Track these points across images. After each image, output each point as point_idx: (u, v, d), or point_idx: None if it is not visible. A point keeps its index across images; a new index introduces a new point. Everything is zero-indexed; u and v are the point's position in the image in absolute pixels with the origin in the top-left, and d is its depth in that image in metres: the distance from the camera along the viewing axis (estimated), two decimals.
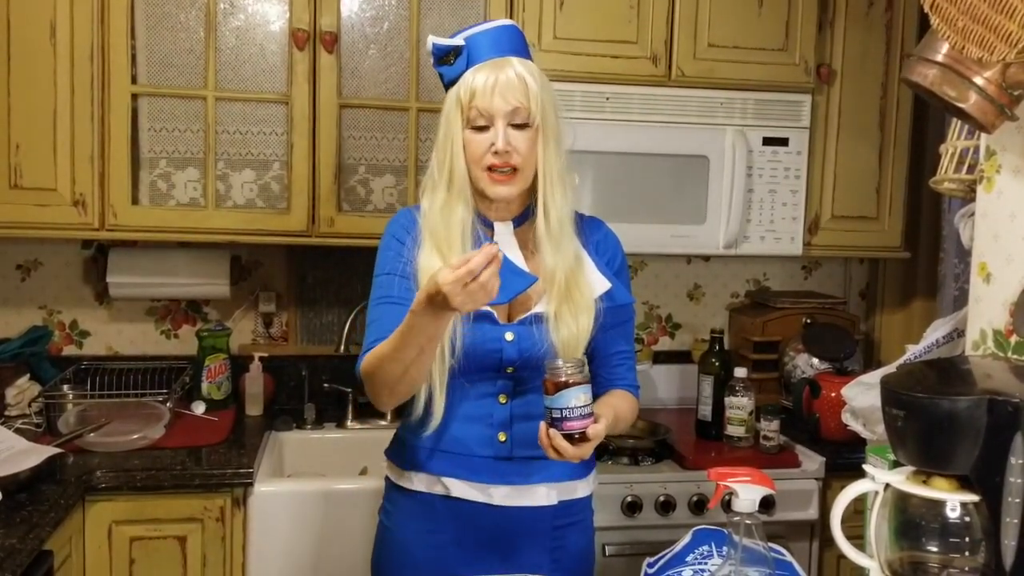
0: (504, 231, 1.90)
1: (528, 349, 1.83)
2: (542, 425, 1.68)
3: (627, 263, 2.03)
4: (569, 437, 1.65)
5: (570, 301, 1.84)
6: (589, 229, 1.98)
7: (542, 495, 1.89)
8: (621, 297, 1.93)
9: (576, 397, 1.64)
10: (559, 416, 1.64)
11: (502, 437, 1.88)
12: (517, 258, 1.87)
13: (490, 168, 1.81)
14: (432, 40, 1.85)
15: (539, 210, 1.85)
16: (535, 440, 1.80)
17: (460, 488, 1.87)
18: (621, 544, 2.60)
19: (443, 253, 1.82)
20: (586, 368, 1.67)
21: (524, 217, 1.91)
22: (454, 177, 1.83)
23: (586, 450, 1.68)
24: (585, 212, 2.04)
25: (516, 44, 1.86)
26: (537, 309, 1.84)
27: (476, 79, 1.79)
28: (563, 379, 1.64)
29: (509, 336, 1.84)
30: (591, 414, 1.67)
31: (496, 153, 1.79)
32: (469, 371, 1.85)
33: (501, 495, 1.87)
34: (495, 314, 1.84)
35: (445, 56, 1.84)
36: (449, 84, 1.86)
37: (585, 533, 2.00)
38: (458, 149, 1.81)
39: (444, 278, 1.54)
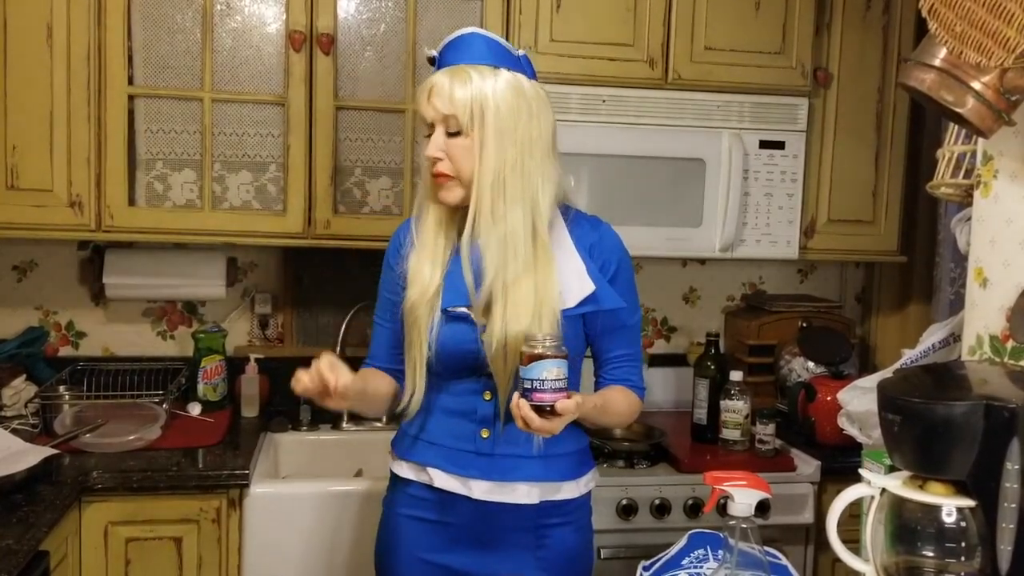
0: None
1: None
2: (515, 395, 1.70)
3: (628, 268, 2.00)
4: (539, 409, 1.65)
5: (510, 308, 1.82)
6: (585, 230, 1.96)
7: (522, 493, 1.90)
8: (608, 301, 1.91)
9: (549, 370, 1.65)
10: (530, 387, 1.65)
11: (485, 433, 1.91)
12: None
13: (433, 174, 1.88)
14: (426, 52, 1.95)
15: (468, 217, 1.86)
16: (519, 438, 1.86)
17: (442, 479, 1.92)
18: (616, 547, 2.60)
19: (420, 255, 1.92)
20: (563, 345, 1.68)
21: None
22: (424, 180, 1.95)
23: (555, 425, 1.68)
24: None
25: (475, 50, 1.86)
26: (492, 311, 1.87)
27: (424, 87, 1.87)
28: (538, 351, 1.65)
29: (485, 336, 1.86)
30: (564, 389, 1.67)
31: (427, 157, 1.87)
32: (450, 369, 1.91)
33: (481, 490, 1.90)
34: (471, 315, 1.88)
35: (430, 62, 1.93)
36: None
37: (578, 534, 2.00)
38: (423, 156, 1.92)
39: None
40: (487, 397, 1.91)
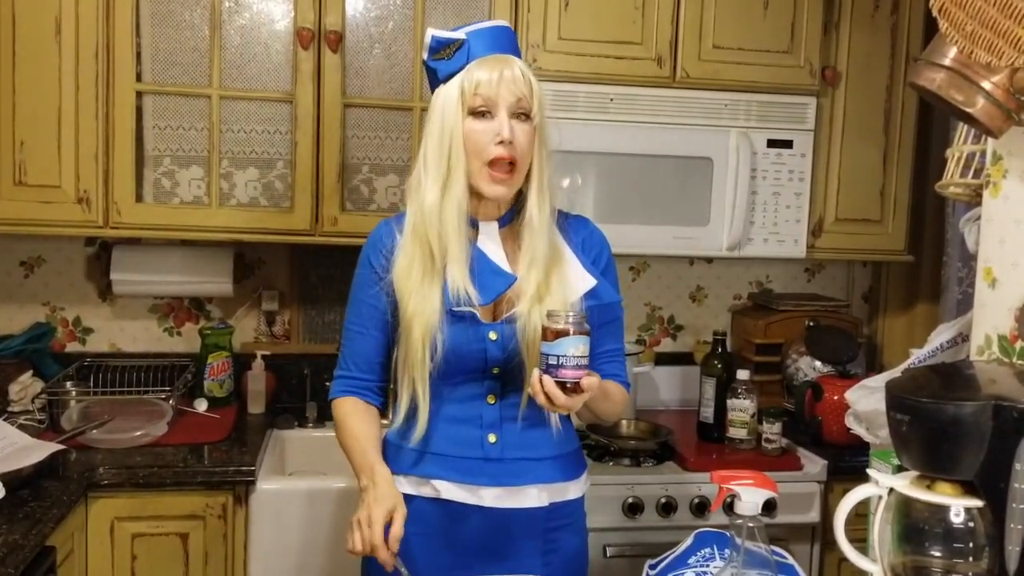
0: (489, 230, 1.90)
1: (513, 348, 1.84)
2: (535, 371, 1.67)
3: (614, 261, 2.01)
4: (562, 385, 1.64)
5: (540, 303, 1.82)
6: (574, 228, 1.98)
7: (533, 497, 1.88)
8: (607, 296, 1.93)
9: (574, 346, 1.63)
10: (555, 363, 1.63)
11: (492, 438, 1.87)
12: (500, 259, 1.88)
13: (491, 163, 1.80)
14: (432, 33, 1.82)
15: (529, 208, 1.85)
16: (526, 441, 1.86)
17: (450, 490, 1.86)
18: (622, 545, 2.60)
19: (435, 250, 1.82)
20: (586, 323, 1.66)
21: (508, 218, 1.92)
22: (452, 170, 1.80)
23: (576, 402, 1.67)
24: (588, 213, 2.06)
25: (514, 45, 1.88)
26: (516, 308, 1.84)
27: (481, 70, 1.79)
28: (562, 326, 1.63)
29: (493, 336, 1.84)
30: (586, 367, 1.66)
31: (500, 143, 1.78)
32: (455, 372, 1.85)
33: (492, 497, 1.86)
34: (478, 314, 1.83)
35: (444, 49, 1.82)
36: (443, 79, 1.83)
37: (578, 535, 1.99)
38: (458, 141, 1.79)
39: (354, 522, 1.72)
40: (491, 400, 1.88)
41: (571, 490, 1.95)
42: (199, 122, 2.71)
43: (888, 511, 1.36)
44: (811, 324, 3.19)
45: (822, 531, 2.74)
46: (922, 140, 3.13)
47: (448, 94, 1.81)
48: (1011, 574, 1.25)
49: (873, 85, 3.04)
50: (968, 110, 1.38)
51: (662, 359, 3.37)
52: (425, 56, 1.86)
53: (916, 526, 1.33)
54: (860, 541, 1.47)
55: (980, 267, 1.59)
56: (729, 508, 1.49)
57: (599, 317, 1.89)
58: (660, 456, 2.77)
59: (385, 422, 2.96)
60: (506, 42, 1.86)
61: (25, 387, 2.72)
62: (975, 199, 1.70)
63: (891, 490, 1.36)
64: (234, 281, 3.00)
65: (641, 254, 3.21)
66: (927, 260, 3.25)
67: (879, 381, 1.86)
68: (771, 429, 2.77)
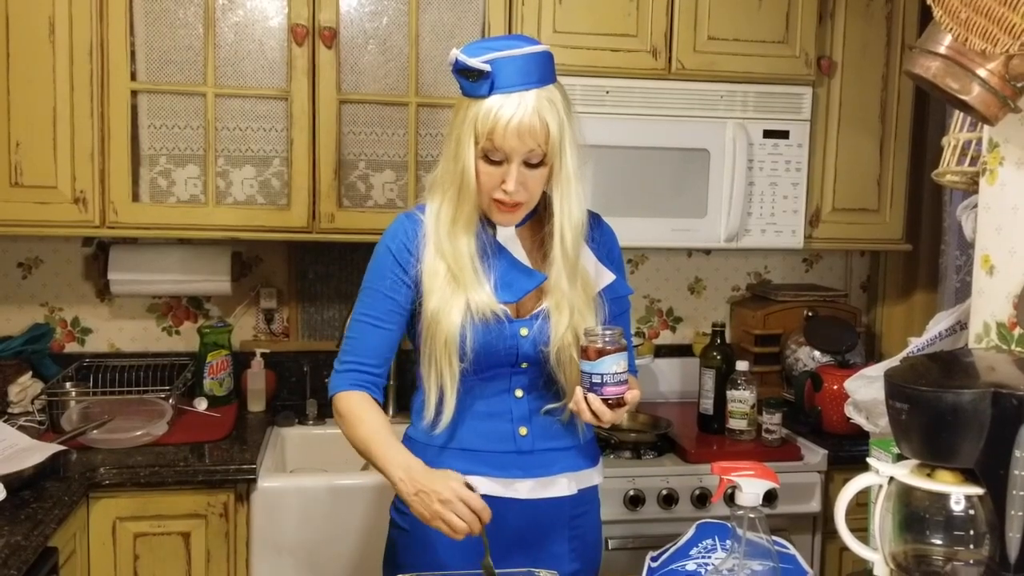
0: (506, 231, 1.92)
1: (543, 343, 1.86)
2: (578, 390, 1.73)
3: (622, 254, 2.05)
4: (606, 402, 1.71)
5: (566, 300, 1.85)
6: (589, 225, 1.98)
7: (563, 486, 1.92)
8: (623, 289, 1.99)
9: (616, 363, 1.70)
10: (599, 381, 1.70)
11: (523, 431, 1.90)
12: (521, 256, 1.91)
13: (497, 199, 1.82)
14: (456, 55, 1.76)
15: (556, 236, 1.85)
16: (554, 432, 1.91)
17: (486, 485, 1.86)
18: (624, 537, 2.60)
19: (448, 265, 1.84)
20: (623, 338, 1.72)
21: (526, 217, 1.92)
22: (462, 199, 1.82)
23: (619, 415, 1.75)
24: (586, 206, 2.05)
25: (543, 71, 1.79)
26: (545, 304, 1.87)
27: (498, 115, 1.74)
28: (603, 345, 1.70)
29: (524, 332, 1.86)
30: (626, 381, 1.73)
31: (505, 191, 1.80)
32: (485, 368, 1.87)
33: (526, 489, 1.89)
34: (508, 311, 1.86)
35: (467, 72, 1.76)
36: (466, 94, 1.81)
37: (597, 521, 2.05)
38: (470, 175, 1.80)
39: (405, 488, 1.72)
40: (519, 394, 1.90)
41: (594, 476, 2.00)
42: (194, 120, 2.70)
43: (888, 500, 1.37)
44: (810, 314, 3.19)
45: (823, 521, 2.74)
46: (918, 129, 3.13)
47: (465, 121, 1.79)
48: (1012, 560, 1.26)
49: (869, 74, 3.03)
50: (964, 98, 1.38)
51: (661, 351, 3.37)
52: (449, 67, 1.81)
53: (917, 515, 1.33)
54: (861, 530, 1.48)
55: (978, 255, 1.59)
56: (730, 499, 1.50)
57: (615, 310, 1.96)
58: (661, 448, 2.77)
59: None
60: (534, 71, 1.77)
61: (25, 388, 2.72)
62: (972, 187, 1.71)
63: (891, 479, 1.36)
64: (232, 279, 3.00)
65: (639, 246, 3.20)
66: (925, 249, 3.24)
67: (878, 370, 1.86)
68: (771, 420, 2.77)
